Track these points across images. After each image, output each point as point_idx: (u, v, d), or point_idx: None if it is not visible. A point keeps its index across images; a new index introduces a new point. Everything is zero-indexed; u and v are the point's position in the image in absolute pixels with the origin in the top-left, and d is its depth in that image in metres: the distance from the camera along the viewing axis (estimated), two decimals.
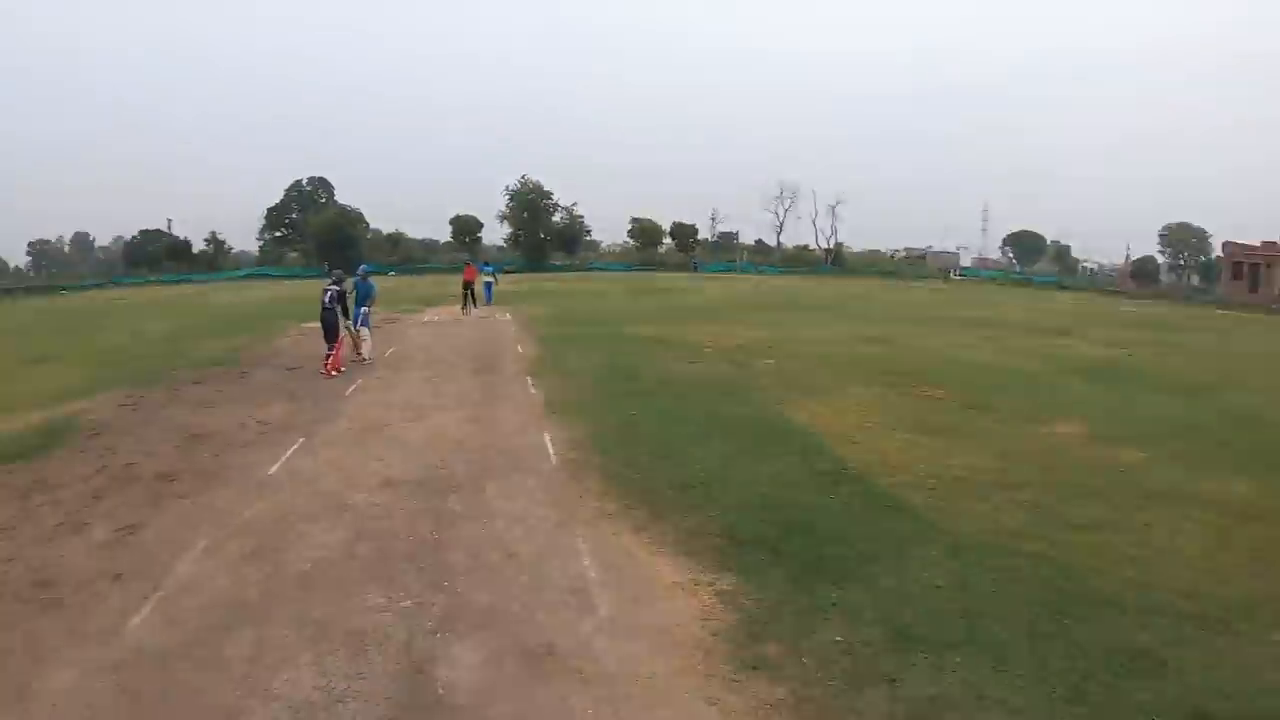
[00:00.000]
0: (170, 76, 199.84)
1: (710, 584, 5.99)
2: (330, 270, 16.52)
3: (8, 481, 9.28)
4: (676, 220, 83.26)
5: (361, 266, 19.59)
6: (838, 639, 5.23)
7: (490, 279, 32.06)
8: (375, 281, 18.25)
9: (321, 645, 5.37)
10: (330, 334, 15.57)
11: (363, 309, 17.02)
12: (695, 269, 73.34)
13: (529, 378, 14.70)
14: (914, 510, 7.59)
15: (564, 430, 10.58)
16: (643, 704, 4.58)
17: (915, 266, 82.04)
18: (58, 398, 14.45)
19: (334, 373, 15.27)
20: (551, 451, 9.62)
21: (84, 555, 7.07)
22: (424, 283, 49.48)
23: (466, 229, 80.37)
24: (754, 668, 4.89)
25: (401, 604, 5.90)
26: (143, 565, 6.79)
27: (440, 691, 4.75)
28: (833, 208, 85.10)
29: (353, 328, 16.73)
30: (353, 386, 14.24)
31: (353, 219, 76.21)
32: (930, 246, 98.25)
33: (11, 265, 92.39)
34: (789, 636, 5.25)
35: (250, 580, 6.43)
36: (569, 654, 5.11)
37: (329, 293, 15.64)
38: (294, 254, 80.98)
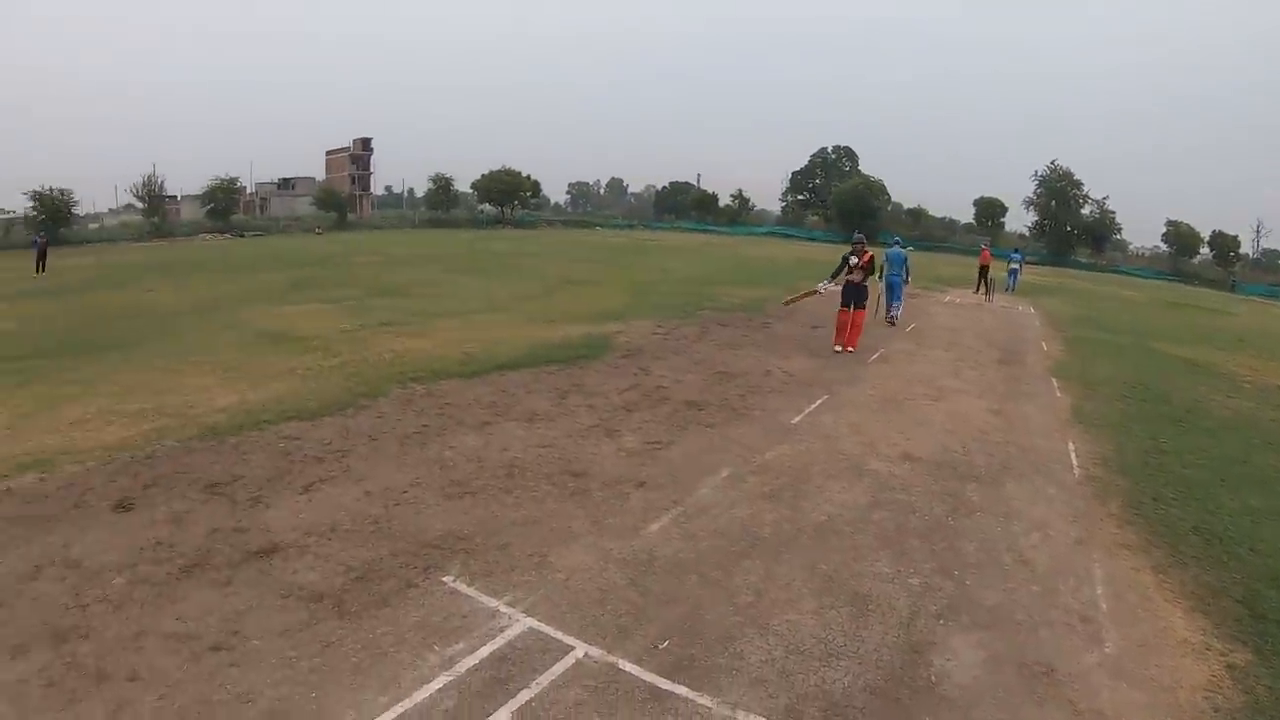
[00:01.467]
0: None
1: (1223, 654, 5.39)
2: (854, 236, 16.18)
3: (550, 381, 11.34)
4: (1217, 229, 78.00)
5: (896, 238, 22.56)
6: None
7: (1016, 266, 33.92)
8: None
9: (825, 598, 5.67)
10: (856, 299, 15.13)
11: (897, 278, 19.23)
12: (1233, 288, 65.96)
13: (1054, 379, 14.39)
14: None
15: (1089, 443, 10.18)
16: None
17: None
18: (594, 318, 17.17)
19: (847, 349, 14.99)
20: (1075, 463, 9.30)
21: (613, 458, 8.29)
22: (941, 262, 49.36)
23: (990, 212, 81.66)
24: None
25: (909, 580, 6.05)
26: (666, 479, 7.75)
27: (932, 679, 4.82)
28: None
29: (884, 292, 19.12)
30: (875, 355, 14.82)
31: (875, 189, 79.99)
32: None
33: (552, 201, 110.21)
34: None
35: (766, 518, 6.95)
36: (1067, 682, 4.92)
37: (853, 260, 15.20)
38: (814, 217, 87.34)
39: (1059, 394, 13.12)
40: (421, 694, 4.37)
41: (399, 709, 4.24)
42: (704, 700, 4.46)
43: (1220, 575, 6.64)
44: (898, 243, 20.95)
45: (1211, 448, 10.55)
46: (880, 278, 18.74)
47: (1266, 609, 6.11)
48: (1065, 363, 16.42)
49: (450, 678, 4.53)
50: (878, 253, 16.88)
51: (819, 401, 10.87)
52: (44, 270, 30.21)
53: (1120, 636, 5.53)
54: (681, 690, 4.54)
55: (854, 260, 14.99)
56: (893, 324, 19.03)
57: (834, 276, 15.26)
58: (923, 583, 6.02)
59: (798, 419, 9.97)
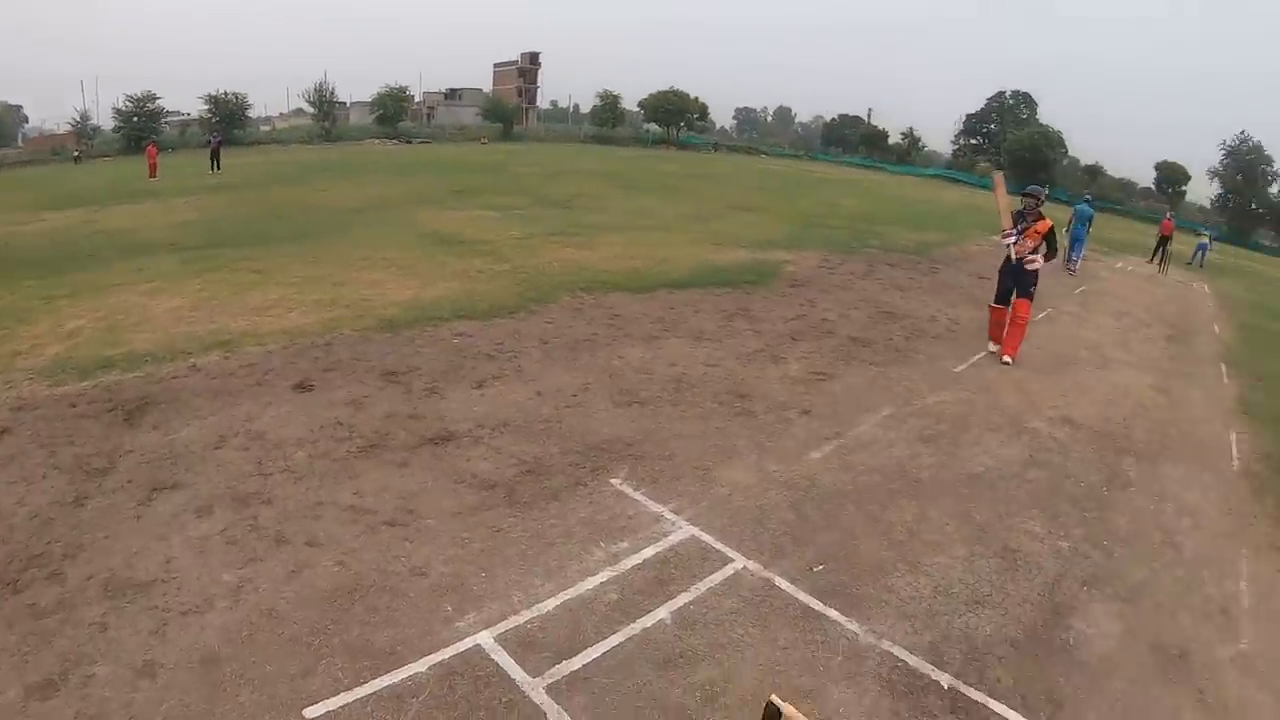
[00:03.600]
0: None
1: None
2: (1028, 188, 11.01)
3: (716, 303, 11.60)
4: None
5: (1087, 194, 24.07)
6: None
7: (1207, 242, 33.22)
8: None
9: (976, 547, 5.79)
10: (1018, 283, 10.60)
11: (1083, 229, 20.38)
12: None
13: (1223, 364, 13.63)
14: None
15: (1252, 436, 9.70)
16: None
17: None
18: (760, 244, 17.25)
19: (1004, 357, 10.64)
20: (1235, 454, 8.93)
21: (778, 383, 8.54)
22: (1114, 225, 46.68)
23: (1171, 178, 76.44)
24: None
25: (1059, 542, 6.07)
26: (828, 410, 7.96)
27: (1070, 642, 4.88)
28: None
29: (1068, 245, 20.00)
30: (1043, 314, 14.34)
31: (1053, 140, 75.53)
32: None
33: (718, 125, 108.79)
34: None
35: (924, 460, 7.08)
36: (1198, 670, 4.90)
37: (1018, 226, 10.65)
38: (985, 163, 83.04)
39: (1226, 380, 12.52)
40: (586, 585, 4.72)
41: (564, 596, 4.60)
42: (852, 626, 4.67)
43: None
44: (1088, 199, 22.32)
45: None
46: (1066, 231, 19.62)
47: None
48: (1236, 349, 15.54)
49: (614, 573, 4.87)
50: (1059, 218, 15.67)
51: (983, 353, 10.76)
52: (219, 168, 32.16)
53: (1257, 636, 5.45)
54: (832, 613, 4.76)
55: (1021, 225, 10.50)
56: (1072, 273, 19.71)
57: (1016, 225, 10.52)
58: (1071, 547, 6.06)
59: (961, 368, 9.94)
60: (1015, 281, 10.63)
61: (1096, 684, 4.59)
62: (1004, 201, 11.02)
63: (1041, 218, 10.42)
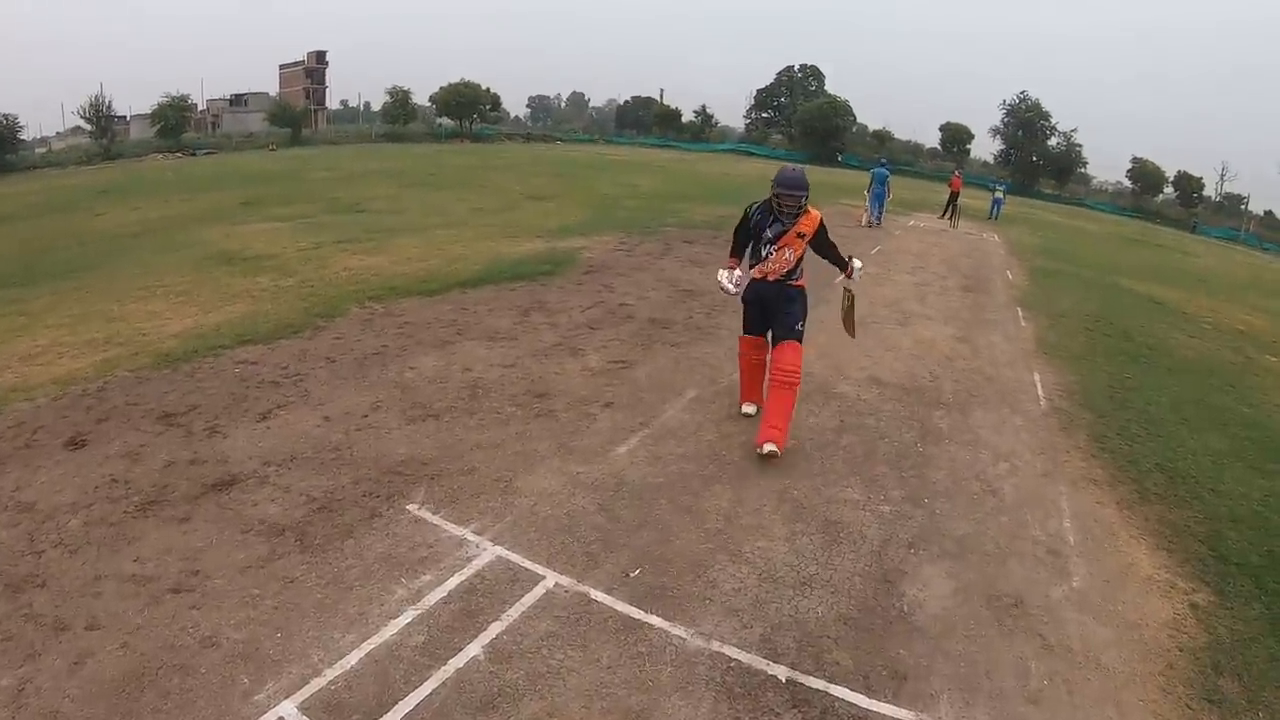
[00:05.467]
0: None
1: (1186, 593, 5.54)
2: (782, 174, 6.97)
3: (512, 299, 11.09)
4: (1182, 170, 79.53)
5: (882, 158, 28.02)
6: None
7: (1000, 196, 35.12)
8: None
9: (797, 525, 5.58)
10: (775, 318, 6.97)
11: (882, 190, 23.35)
12: (1193, 229, 67.66)
13: (1019, 308, 14.48)
14: None
15: (1054, 375, 10.30)
16: (1097, 695, 4.35)
17: None
18: (556, 233, 16.90)
19: (762, 442, 6.46)
20: (1041, 394, 9.38)
21: (578, 377, 8.10)
22: (905, 185, 49.50)
23: (956, 138, 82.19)
24: (1209, 701, 4.44)
25: (880, 508, 6.00)
26: (632, 400, 7.59)
27: (905, 609, 4.81)
28: None
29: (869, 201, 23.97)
30: (839, 276, 14.54)
31: (840, 109, 79.83)
32: None
33: (512, 115, 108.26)
34: (1254, 680, 4.68)
35: (735, 440, 6.83)
36: (1035, 615, 4.96)
37: (769, 229, 7.01)
38: (778, 136, 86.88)
39: (1024, 324, 13.18)
40: (390, 630, 4.21)
41: (367, 647, 4.07)
42: (678, 631, 4.35)
43: (1183, 514, 6.74)
44: (883, 163, 25.92)
45: (1173, 386, 10.69)
46: (867, 191, 22.99)
47: (1228, 551, 6.21)
48: (1030, 293, 16.53)
49: (418, 611, 4.37)
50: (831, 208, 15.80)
51: None
52: None
53: (1087, 571, 5.57)
54: (655, 620, 4.43)
55: (772, 228, 6.89)
56: (872, 226, 22.89)
57: (733, 254, 7.38)
58: (893, 510, 5.98)
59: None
60: (772, 316, 6.92)
61: (938, 648, 4.49)
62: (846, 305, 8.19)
63: (805, 211, 6.81)
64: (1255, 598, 5.64)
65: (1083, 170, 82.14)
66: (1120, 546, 6.02)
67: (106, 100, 58.66)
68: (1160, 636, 4.94)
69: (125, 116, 64.84)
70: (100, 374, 7.79)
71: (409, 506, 5.45)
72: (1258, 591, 5.73)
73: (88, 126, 59.45)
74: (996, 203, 34.60)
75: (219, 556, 4.80)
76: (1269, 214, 79.99)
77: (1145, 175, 78.39)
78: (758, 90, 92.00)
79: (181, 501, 5.42)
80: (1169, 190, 79.42)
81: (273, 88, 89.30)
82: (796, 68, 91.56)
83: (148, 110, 62.66)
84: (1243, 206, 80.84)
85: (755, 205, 7.04)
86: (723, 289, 7.24)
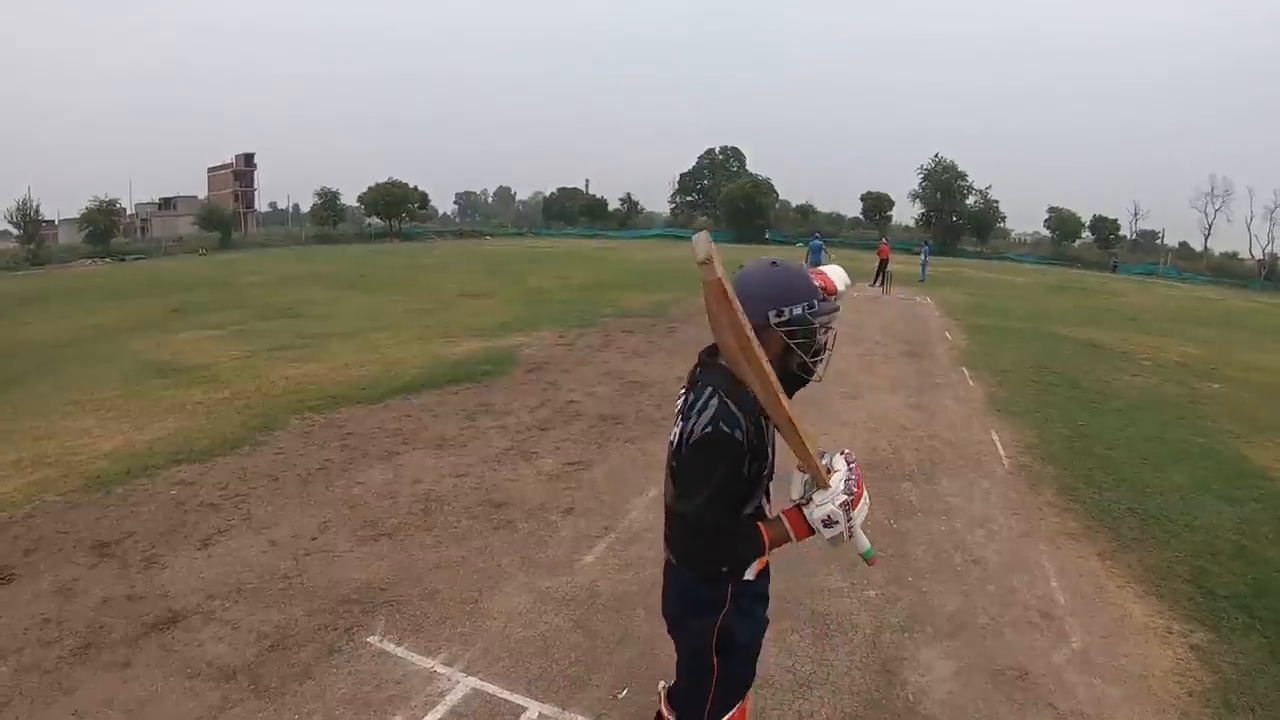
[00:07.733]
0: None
1: (1184, 635, 5.56)
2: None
3: (456, 402, 10.80)
4: (1097, 214, 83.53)
5: (816, 233, 30.62)
6: None
7: (925, 261, 37.33)
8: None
9: (784, 621, 5.33)
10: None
11: (820, 259, 24.50)
12: (1114, 269, 70.52)
13: (964, 369, 14.72)
14: None
15: (1011, 431, 10.43)
16: None
17: None
18: (494, 330, 16.71)
19: None
20: (1002, 453, 9.44)
21: (534, 483, 7.80)
22: (834, 255, 50.80)
23: (877, 206, 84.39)
24: None
25: (865, 593, 5.85)
26: (593, 504, 7.31)
27: (910, 698, 4.64)
28: (1272, 211, 78.32)
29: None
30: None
31: (763, 188, 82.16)
32: None
33: (440, 212, 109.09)
34: (1267, 712, 4.72)
35: None
36: (1042, 684, 4.87)
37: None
38: (703, 218, 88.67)
39: (971, 383, 13.36)
40: None
41: None
42: None
43: (1164, 555, 6.78)
44: (817, 236, 29.94)
45: (1128, 427, 10.88)
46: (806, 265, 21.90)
47: (1214, 585, 6.25)
48: (971, 351, 16.85)
49: None
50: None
51: None
52: None
53: (1084, 630, 5.51)
54: None
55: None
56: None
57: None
58: (879, 594, 5.84)
59: None
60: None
61: None
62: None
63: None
64: (1250, 628, 5.66)
65: (1001, 224, 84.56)
66: (1110, 599, 5.99)
67: (34, 204, 57.28)
68: (1168, 685, 4.90)
69: (54, 220, 63.88)
70: (28, 499, 7.32)
71: (370, 638, 5.07)
72: (1252, 621, 5.75)
73: (15, 231, 58.00)
74: (923, 266, 36.09)
75: (166, 708, 4.36)
76: (1183, 245, 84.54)
77: (1063, 222, 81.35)
78: (681, 174, 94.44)
79: (121, 644, 4.99)
80: (1086, 234, 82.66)
81: (201, 190, 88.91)
82: (718, 149, 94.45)
83: (76, 214, 61.44)
84: (1158, 241, 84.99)
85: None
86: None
